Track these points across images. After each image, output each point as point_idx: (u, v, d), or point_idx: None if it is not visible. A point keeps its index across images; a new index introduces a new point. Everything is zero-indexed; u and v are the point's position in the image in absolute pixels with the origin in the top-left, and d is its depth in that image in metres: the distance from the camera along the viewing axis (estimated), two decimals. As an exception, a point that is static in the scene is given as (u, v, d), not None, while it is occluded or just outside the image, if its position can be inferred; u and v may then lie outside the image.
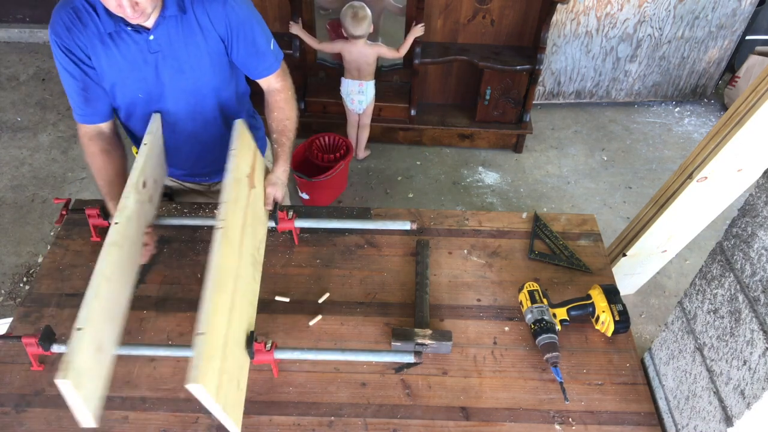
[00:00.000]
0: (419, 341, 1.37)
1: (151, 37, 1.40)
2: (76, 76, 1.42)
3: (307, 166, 2.90)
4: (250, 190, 1.49)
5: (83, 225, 1.63)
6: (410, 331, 1.39)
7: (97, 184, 1.54)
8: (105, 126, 1.53)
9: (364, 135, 3.12)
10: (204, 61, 1.46)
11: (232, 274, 1.27)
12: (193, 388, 1.04)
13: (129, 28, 1.36)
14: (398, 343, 1.37)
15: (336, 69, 3.17)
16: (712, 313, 1.15)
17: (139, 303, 1.47)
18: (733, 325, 1.07)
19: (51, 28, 1.38)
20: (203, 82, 1.50)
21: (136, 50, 1.41)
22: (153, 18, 1.37)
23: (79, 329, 1.11)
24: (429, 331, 1.38)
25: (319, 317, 1.44)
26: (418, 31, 2.86)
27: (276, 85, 1.60)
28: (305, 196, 2.92)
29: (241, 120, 1.50)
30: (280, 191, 1.54)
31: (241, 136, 1.49)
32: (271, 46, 1.54)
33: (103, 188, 1.52)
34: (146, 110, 1.54)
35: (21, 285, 2.58)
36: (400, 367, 1.37)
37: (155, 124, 1.53)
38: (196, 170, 1.76)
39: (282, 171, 1.57)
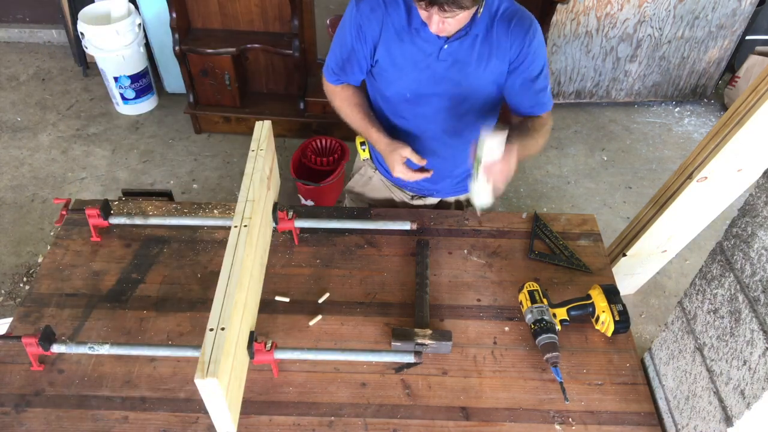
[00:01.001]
0: (419, 341, 1.37)
1: (446, 47, 1.42)
2: (349, 46, 1.49)
3: (304, 170, 2.89)
4: (267, 192, 1.51)
5: (83, 225, 1.63)
6: (410, 331, 1.39)
7: (354, 121, 1.60)
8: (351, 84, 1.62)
9: None
10: (482, 81, 1.49)
11: (248, 272, 1.29)
12: (208, 383, 1.04)
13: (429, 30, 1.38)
14: (398, 343, 1.37)
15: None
16: (712, 313, 1.15)
17: (139, 303, 1.48)
18: (733, 325, 1.07)
19: (357, 5, 1.45)
20: (472, 102, 1.53)
21: (425, 51, 1.45)
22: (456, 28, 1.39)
23: (222, 329, 1.12)
24: (429, 331, 1.38)
25: (319, 317, 1.45)
26: None
27: (543, 116, 1.57)
28: (310, 203, 2.91)
29: (268, 122, 1.52)
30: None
31: (268, 137, 1.51)
32: (548, 86, 1.53)
33: (363, 120, 1.57)
34: (407, 108, 1.58)
35: (21, 285, 2.58)
36: (400, 367, 1.37)
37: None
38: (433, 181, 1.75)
39: (515, 156, 1.42)
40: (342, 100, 1.62)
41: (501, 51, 1.44)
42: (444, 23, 1.30)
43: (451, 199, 1.87)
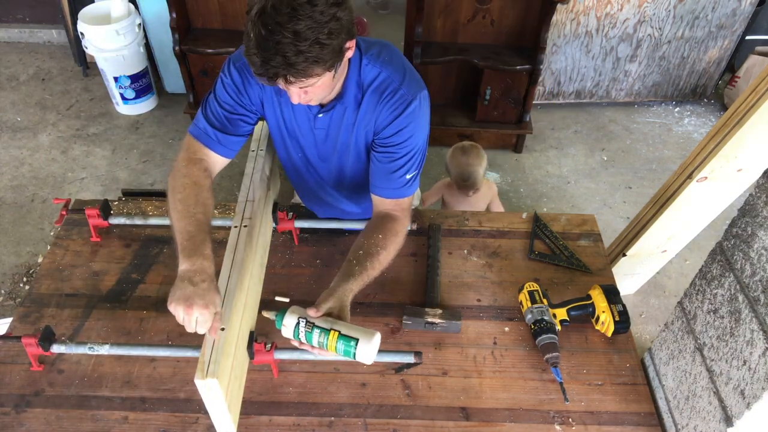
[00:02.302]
0: (429, 320, 1.39)
1: (320, 116, 1.36)
2: (232, 103, 1.35)
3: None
4: (267, 192, 1.51)
5: (83, 225, 1.63)
6: (421, 309, 1.41)
7: (173, 225, 1.24)
8: (218, 163, 1.40)
9: None
10: (356, 151, 1.43)
11: (248, 272, 1.29)
12: (208, 383, 1.04)
13: None
14: (409, 321, 1.40)
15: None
16: (712, 313, 1.15)
17: (139, 303, 1.48)
18: (733, 325, 1.07)
19: (234, 65, 1.33)
20: (354, 168, 1.49)
21: (306, 118, 1.39)
22: (329, 99, 1.32)
23: (222, 329, 1.12)
24: (439, 311, 1.41)
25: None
26: None
27: (390, 212, 1.41)
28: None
29: (265, 123, 1.51)
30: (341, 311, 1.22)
31: (268, 137, 1.52)
32: (408, 176, 1.38)
33: (180, 233, 1.21)
34: (301, 166, 1.54)
35: (21, 285, 2.58)
36: (400, 367, 1.37)
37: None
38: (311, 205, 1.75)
39: (348, 290, 1.24)
40: (180, 182, 1.30)
41: (367, 121, 1.35)
42: (306, 93, 1.18)
43: None
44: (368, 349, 1.13)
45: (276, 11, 1.04)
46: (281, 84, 1.13)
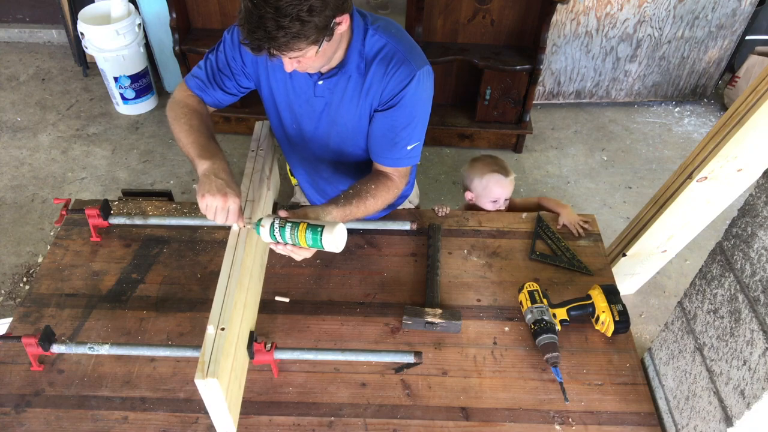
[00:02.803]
0: (429, 320, 1.39)
1: (320, 83, 1.38)
2: (224, 61, 1.42)
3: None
4: (267, 192, 1.51)
5: (83, 225, 1.63)
6: (421, 309, 1.41)
7: (183, 142, 1.36)
8: (205, 106, 1.48)
9: None
10: (358, 122, 1.44)
11: (248, 272, 1.29)
12: (208, 383, 1.04)
13: None
14: (409, 321, 1.40)
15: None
16: (712, 313, 1.15)
17: (139, 303, 1.48)
18: (733, 325, 1.07)
19: (236, 24, 1.30)
20: (350, 138, 1.49)
21: (305, 85, 1.41)
22: (329, 67, 1.34)
23: (222, 329, 1.12)
24: (439, 311, 1.41)
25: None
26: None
27: (389, 173, 1.46)
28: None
29: (266, 122, 1.51)
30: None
31: (268, 137, 1.52)
32: (409, 147, 1.42)
33: (193, 144, 1.33)
34: (291, 140, 1.55)
35: (21, 285, 2.58)
36: (400, 367, 1.37)
37: (265, 131, 1.58)
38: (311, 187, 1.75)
39: (326, 211, 1.30)
40: (182, 109, 1.41)
41: (373, 92, 1.37)
42: (299, 62, 1.22)
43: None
44: (333, 236, 1.18)
45: None
46: (266, 55, 1.17)
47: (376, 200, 1.41)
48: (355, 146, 1.51)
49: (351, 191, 1.39)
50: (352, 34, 1.32)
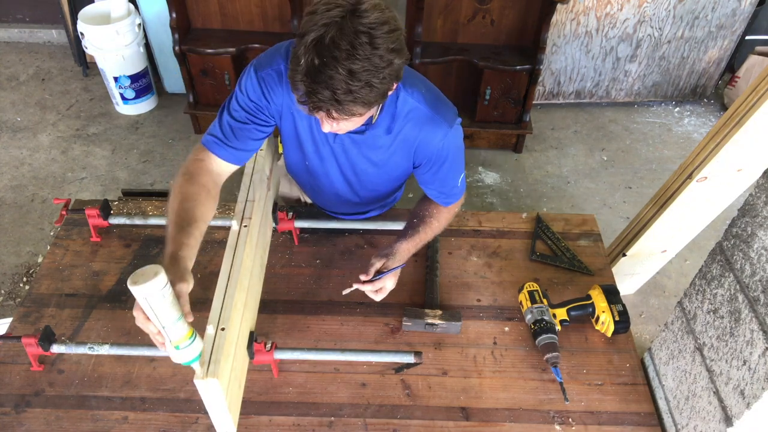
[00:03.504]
0: (429, 321, 1.39)
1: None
2: (248, 109, 1.29)
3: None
4: (267, 192, 1.51)
5: (83, 225, 1.63)
6: (420, 310, 1.41)
7: (168, 218, 1.23)
8: (226, 170, 1.33)
9: None
10: (385, 176, 1.44)
11: (248, 272, 1.29)
12: (208, 383, 1.04)
13: None
14: (409, 323, 1.40)
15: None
16: (711, 313, 1.15)
17: (139, 303, 1.48)
18: (733, 325, 1.07)
19: (257, 74, 1.26)
20: (369, 185, 1.49)
21: (321, 131, 1.31)
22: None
23: (222, 329, 1.12)
24: (439, 312, 1.41)
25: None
26: None
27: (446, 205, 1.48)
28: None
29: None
30: (389, 275, 1.36)
31: (268, 138, 1.51)
32: (458, 182, 1.42)
33: (174, 228, 1.20)
34: (306, 176, 1.53)
35: (21, 285, 2.58)
36: (400, 367, 1.37)
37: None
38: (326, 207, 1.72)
39: (403, 247, 1.39)
40: (180, 188, 1.24)
41: (405, 151, 1.35)
42: (337, 123, 1.14)
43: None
44: (180, 355, 1.03)
45: (335, 45, 0.99)
46: (320, 116, 1.10)
47: (440, 221, 1.46)
48: (376, 187, 1.50)
49: (415, 220, 1.44)
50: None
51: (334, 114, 1.07)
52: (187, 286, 1.07)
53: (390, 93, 1.14)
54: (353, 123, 1.16)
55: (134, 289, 0.91)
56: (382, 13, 1.03)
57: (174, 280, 1.03)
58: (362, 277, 1.34)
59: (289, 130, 1.38)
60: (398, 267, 1.37)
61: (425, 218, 1.45)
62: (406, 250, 1.40)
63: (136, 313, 1.03)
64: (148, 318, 1.01)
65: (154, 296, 0.93)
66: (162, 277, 0.93)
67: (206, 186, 1.26)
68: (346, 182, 1.48)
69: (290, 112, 1.33)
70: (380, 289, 1.37)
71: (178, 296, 1.01)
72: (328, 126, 1.16)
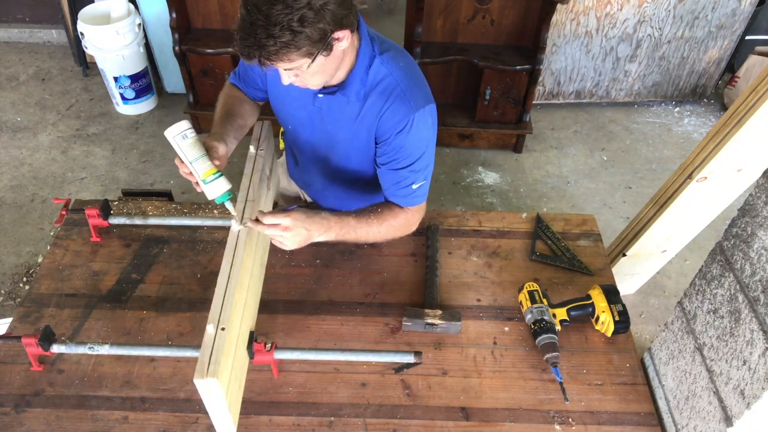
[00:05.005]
0: (429, 321, 1.39)
1: (320, 95, 1.36)
2: (248, 67, 1.49)
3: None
4: (267, 192, 1.50)
5: (83, 225, 1.63)
6: (420, 310, 1.41)
7: (215, 111, 1.51)
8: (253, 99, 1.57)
9: None
10: (351, 145, 1.42)
11: (248, 272, 1.29)
12: (208, 383, 1.04)
13: None
14: (409, 323, 1.40)
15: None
16: (711, 313, 1.15)
17: (139, 303, 1.48)
18: (733, 325, 1.07)
19: None
20: (344, 160, 1.48)
21: (305, 93, 1.38)
22: (329, 84, 1.32)
23: (222, 329, 1.12)
24: (439, 312, 1.40)
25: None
26: None
27: (399, 204, 1.44)
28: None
29: (268, 122, 1.50)
30: (288, 234, 1.26)
31: (268, 137, 1.51)
32: (414, 186, 1.39)
33: (217, 119, 1.47)
34: (290, 138, 1.56)
35: (21, 285, 2.58)
36: (400, 367, 1.37)
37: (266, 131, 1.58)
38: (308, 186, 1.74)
39: (329, 218, 1.33)
40: (222, 96, 1.54)
41: (368, 122, 1.35)
42: (296, 76, 1.21)
43: None
44: (211, 188, 1.28)
45: None
46: (258, 64, 1.16)
47: (381, 223, 1.39)
48: (347, 162, 1.49)
49: (355, 211, 1.39)
50: (358, 57, 1.29)
51: (264, 60, 1.13)
52: (217, 144, 1.33)
53: (338, 42, 1.17)
54: (309, 74, 1.20)
55: (166, 133, 1.25)
56: None
57: (207, 140, 1.32)
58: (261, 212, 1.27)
59: (273, 95, 1.49)
60: (293, 207, 1.33)
61: (366, 212, 1.40)
62: (329, 222, 1.32)
63: (176, 162, 1.30)
64: (182, 161, 1.26)
65: (178, 136, 1.24)
66: (183, 123, 1.26)
67: (245, 96, 1.54)
68: (321, 147, 1.49)
69: (272, 75, 1.42)
70: (276, 226, 1.25)
71: (208, 149, 1.29)
72: (285, 78, 1.22)
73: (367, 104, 1.33)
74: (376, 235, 1.41)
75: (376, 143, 1.39)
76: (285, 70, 1.19)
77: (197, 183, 1.29)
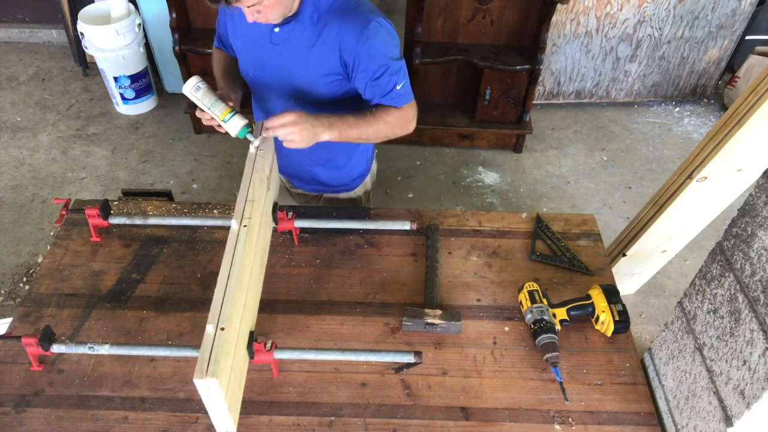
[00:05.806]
0: (429, 321, 1.39)
1: (276, 30, 1.45)
2: (220, 21, 1.61)
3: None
4: (267, 192, 1.50)
5: (83, 225, 1.63)
6: (420, 310, 1.41)
7: (214, 75, 1.66)
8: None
9: None
10: (312, 71, 1.47)
11: (248, 272, 1.29)
12: (208, 383, 1.04)
13: None
14: (409, 323, 1.40)
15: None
16: (711, 313, 1.15)
17: (139, 303, 1.48)
18: (733, 325, 1.07)
19: None
20: (306, 92, 1.52)
21: (262, 34, 1.47)
22: (285, 16, 1.41)
23: (222, 329, 1.12)
24: (439, 312, 1.40)
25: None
26: None
27: (394, 108, 1.50)
28: None
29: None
30: (296, 129, 1.35)
31: (268, 138, 1.51)
32: (398, 87, 1.46)
33: (218, 79, 1.62)
34: (253, 86, 1.62)
35: (21, 285, 2.58)
36: (400, 367, 1.37)
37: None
38: (282, 164, 1.76)
39: (319, 123, 1.39)
40: (214, 60, 1.70)
41: (329, 45, 1.42)
42: (259, 12, 1.32)
43: (342, 195, 1.85)
44: (231, 126, 1.42)
45: None
46: (225, 4, 1.25)
47: (378, 120, 1.46)
48: (313, 92, 1.52)
49: (353, 111, 1.47)
50: None
51: (231, 0, 1.24)
52: (227, 94, 1.51)
53: None
54: (269, 9, 1.31)
55: (183, 91, 1.40)
56: None
57: (219, 94, 1.44)
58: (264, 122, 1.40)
59: (233, 33, 1.57)
60: (299, 108, 1.41)
61: (361, 112, 1.47)
62: (329, 118, 1.40)
63: (197, 113, 1.44)
64: (202, 110, 1.41)
65: (192, 89, 1.39)
66: (193, 79, 1.41)
67: (230, 55, 1.67)
68: (284, 83, 1.53)
69: (232, 24, 1.55)
70: (284, 126, 1.35)
71: (222, 97, 1.42)
72: (250, 16, 1.32)
73: (325, 29, 1.41)
74: (376, 132, 1.48)
75: (346, 66, 1.44)
76: (248, 7, 1.29)
77: (219, 125, 1.43)
